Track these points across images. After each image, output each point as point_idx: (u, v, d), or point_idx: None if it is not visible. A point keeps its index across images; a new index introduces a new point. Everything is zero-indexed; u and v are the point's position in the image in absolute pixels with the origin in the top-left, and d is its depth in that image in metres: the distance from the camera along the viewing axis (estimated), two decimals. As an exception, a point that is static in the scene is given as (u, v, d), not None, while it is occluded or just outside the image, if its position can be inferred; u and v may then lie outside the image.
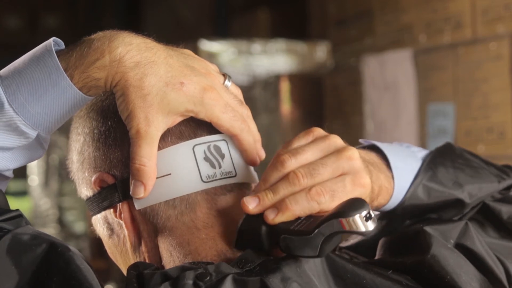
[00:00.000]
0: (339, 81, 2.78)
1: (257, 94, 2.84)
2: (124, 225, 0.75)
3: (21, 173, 5.83)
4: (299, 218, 0.69)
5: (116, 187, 0.74)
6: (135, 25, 5.36)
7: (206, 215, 0.72)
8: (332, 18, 2.80)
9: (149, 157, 0.70)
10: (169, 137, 0.73)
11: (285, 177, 0.70)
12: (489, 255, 0.79)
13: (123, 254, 0.78)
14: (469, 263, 0.77)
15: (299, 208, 0.68)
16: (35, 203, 4.43)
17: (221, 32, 3.94)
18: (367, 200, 0.72)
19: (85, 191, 0.79)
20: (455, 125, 2.20)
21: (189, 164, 0.72)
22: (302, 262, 0.68)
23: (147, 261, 0.75)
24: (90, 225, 0.85)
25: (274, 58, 2.94)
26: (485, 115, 2.11)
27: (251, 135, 0.75)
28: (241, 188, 0.75)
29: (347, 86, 2.71)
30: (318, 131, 0.73)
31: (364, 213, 0.65)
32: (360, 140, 0.85)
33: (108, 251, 0.81)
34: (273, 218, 0.68)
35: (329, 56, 2.92)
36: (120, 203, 0.75)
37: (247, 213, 0.70)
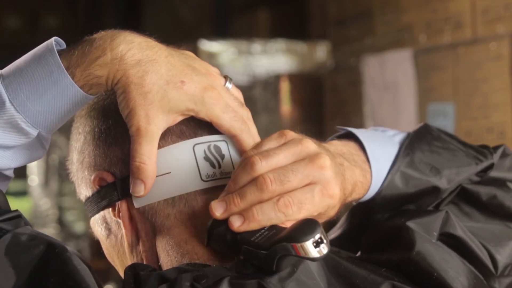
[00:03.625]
0: (339, 81, 2.78)
1: (257, 94, 2.84)
2: (122, 224, 0.75)
3: (21, 173, 5.82)
4: (263, 227, 0.68)
5: (116, 185, 0.74)
6: (135, 25, 5.35)
7: (205, 214, 0.72)
8: (332, 18, 2.80)
9: (149, 155, 0.70)
10: (170, 135, 0.73)
11: (254, 181, 0.68)
12: (473, 241, 0.79)
13: (120, 255, 0.78)
14: (454, 256, 0.76)
15: (265, 218, 0.67)
16: (35, 203, 4.43)
17: (221, 32, 3.94)
18: (338, 204, 0.71)
19: (84, 191, 0.79)
20: (455, 125, 2.20)
21: (189, 163, 0.72)
22: (299, 261, 0.67)
23: (144, 261, 0.75)
24: (90, 226, 0.86)
25: (274, 58, 2.94)
26: (485, 115, 2.11)
27: (250, 136, 0.74)
28: None
29: (347, 86, 2.71)
30: (291, 134, 0.72)
31: (316, 237, 0.64)
32: (337, 127, 0.84)
33: (106, 252, 0.81)
34: (238, 226, 0.67)
35: (329, 56, 2.91)
36: (119, 202, 0.74)
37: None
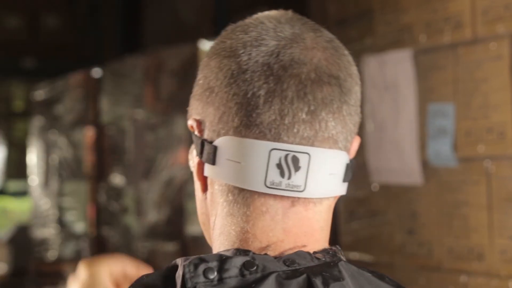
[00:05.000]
0: (339, 81, 2.78)
1: (257, 94, 2.84)
2: (195, 173, 0.79)
3: (21, 173, 5.82)
4: None
5: (201, 141, 0.77)
6: (135, 25, 5.36)
7: (257, 215, 0.73)
8: (332, 18, 2.80)
9: None
10: (256, 128, 0.72)
11: None
12: None
13: (196, 194, 0.83)
14: None
15: None
16: (35, 203, 4.43)
17: (221, 32, 3.94)
18: None
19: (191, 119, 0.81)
20: (455, 125, 2.20)
21: (261, 164, 0.72)
22: (342, 272, 0.69)
23: (205, 206, 0.79)
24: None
25: (274, 58, 2.94)
26: (485, 115, 2.11)
27: None
28: (308, 204, 0.74)
29: (347, 86, 2.71)
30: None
31: None
32: None
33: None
34: None
35: (329, 56, 2.91)
36: (197, 156, 0.78)
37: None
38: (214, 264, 0.67)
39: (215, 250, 0.76)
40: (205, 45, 2.93)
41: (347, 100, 0.74)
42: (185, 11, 4.59)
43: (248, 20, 0.80)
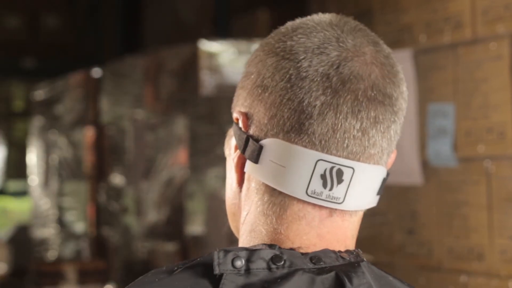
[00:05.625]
0: (339, 81, 2.78)
1: (257, 94, 2.84)
2: (234, 166, 0.79)
3: (21, 173, 5.82)
4: None
5: (246, 137, 0.76)
6: (135, 25, 5.36)
7: (293, 219, 0.74)
8: (332, 18, 2.80)
9: None
10: (306, 136, 0.73)
11: None
12: None
13: (227, 181, 0.82)
14: None
15: None
16: (35, 203, 4.43)
17: (221, 32, 3.94)
18: None
19: (235, 107, 0.81)
20: (455, 125, 2.20)
21: (305, 172, 0.73)
22: (365, 272, 0.71)
23: (238, 199, 0.79)
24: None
25: (274, 58, 2.94)
26: (485, 115, 2.11)
27: None
28: (344, 215, 0.75)
29: (347, 86, 2.71)
30: None
31: None
32: None
33: (226, 168, 0.84)
34: None
35: (329, 56, 2.91)
36: (239, 150, 0.78)
37: None
38: (243, 254, 0.69)
39: (242, 245, 0.77)
40: (205, 45, 2.93)
41: (396, 120, 0.76)
42: (185, 11, 4.59)
43: (309, 22, 0.81)
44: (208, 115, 2.92)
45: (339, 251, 0.73)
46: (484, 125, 2.12)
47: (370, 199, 0.77)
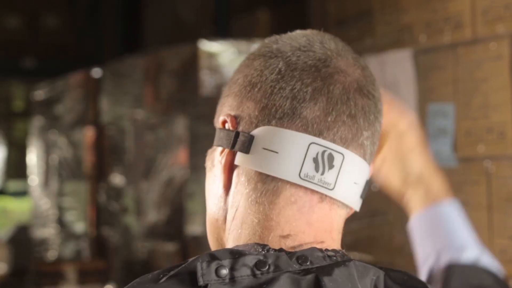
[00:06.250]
0: (339, 81, 2.78)
1: (257, 94, 2.84)
2: (221, 168, 0.79)
3: (21, 173, 5.83)
4: None
5: (234, 134, 0.78)
6: (135, 25, 5.36)
7: (285, 204, 0.75)
8: (332, 18, 2.80)
9: None
10: (299, 121, 0.75)
11: None
12: None
13: (210, 192, 0.82)
14: None
15: None
16: (35, 203, 4.43)
17: (221, 32, 3.94)
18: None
19: (217, 119, 0.83)
20: (455, 125, 2.20)
21: (298, 156, 0.75)
22: (353, 272, 0.71)
23: (223, 212, 0.79)
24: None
25: (274, 58, 2.94)
26: (485, 115, 2.11)
27: None
28: (333, 204, 0.77)
29: (347, 86, 2.71)
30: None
31: None
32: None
33: (206, 184, 0.85)
34: None
35: (329, 56, 2.91)
36: (227, 149, 0.79)
37: None
38: (226, 262, 0.68)
39: (232, 241, 0.77)
40: (205, 45, 2.93)
41: (378, 118, 0.80)
42: (185, 11, 4.59)
43: (291, 34, 0.84)
44: (208, 115, 2.91)
45: (326, 249, 0.74)
46: (484, 125, 2.12)
47: (355, 197, 0.78)
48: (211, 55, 2.90)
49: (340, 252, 0.75)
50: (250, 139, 0.77)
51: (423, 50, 2.33)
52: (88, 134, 3.84)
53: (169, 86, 3.13)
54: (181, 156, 3.03)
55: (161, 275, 0.69)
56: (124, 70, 3.51)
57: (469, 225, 1.06)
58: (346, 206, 0.78)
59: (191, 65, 2.96)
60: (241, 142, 0.77)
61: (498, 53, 2.07)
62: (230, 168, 0.79)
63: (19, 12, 5.97)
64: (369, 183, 0.82)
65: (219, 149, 0.80)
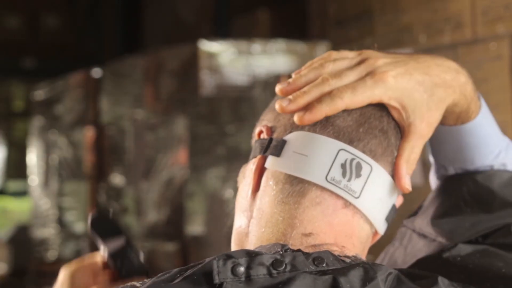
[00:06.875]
0: (339, 81, 2.78)
1: (257, 94, 2.84)
2: (252, 173, 0.80)
3: (21, 173, 5.83)
4: None
5: (268, 140, 0.80)
6: (135, 25, 5.36)
7: (309, 204, 0.76)
8: (332, 18, 2.80)
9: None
10: (331, 128, 0.77)
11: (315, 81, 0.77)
12: None
13: (239, 202, 0.83)
14: None
15: (324, 105, 0.75)
16: (35, 203, 4.43)
17: (221, 32, 3.94)
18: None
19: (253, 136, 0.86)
20: (455, 125, 2.20)
21: (327, 160, 0.76)
22: (371, 276, 0.70)
23: (249, 213, 0.80)
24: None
25: (274, 58, 2.94)
26: (485, 115, 2.11)
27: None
28: (356, 213, 0.77)
29: (347, 86, 2.71)
30: (367, 54, 0.79)
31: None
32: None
33: (236, 198, 0.86)
34: (302, 116, 0.75)
35: (329, 56, 2.91)
36: (260, 155, 0.80)
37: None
38: (242, 261, 0.68)
39: (255, 240, 0.77)
40: (205, 45, 2.93)
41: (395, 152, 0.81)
42: (185, 11, 4.59)
43: None
44: (208, 115, 2.92)
45: (339, 255, 0.74)
46: (484, 125, 2.12)
47: (379, 215, 0.79)
48: (211, 55, 2.90)
49: (357, 256, 0.76)
50: (282, 143, 0.78)
51: (423, 50, 2.33)
52: (88, 134, 3.84)
53: (169, 86, 3.13)
54: (181, 156, 3.03)
55: (178, 275, 0.69)
56: (124, 70, 3.51)
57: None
58: (370, 222, 0.79)
59: (191, 65, 2.96)
60: (273, 146, 0.79)
61: (498, 53, 2.08)
62: (260, 172, 0.80)
63: (19, 12, 5.97)
64: (396, 210, 0.82)
65: (253, 160, 0.81)
